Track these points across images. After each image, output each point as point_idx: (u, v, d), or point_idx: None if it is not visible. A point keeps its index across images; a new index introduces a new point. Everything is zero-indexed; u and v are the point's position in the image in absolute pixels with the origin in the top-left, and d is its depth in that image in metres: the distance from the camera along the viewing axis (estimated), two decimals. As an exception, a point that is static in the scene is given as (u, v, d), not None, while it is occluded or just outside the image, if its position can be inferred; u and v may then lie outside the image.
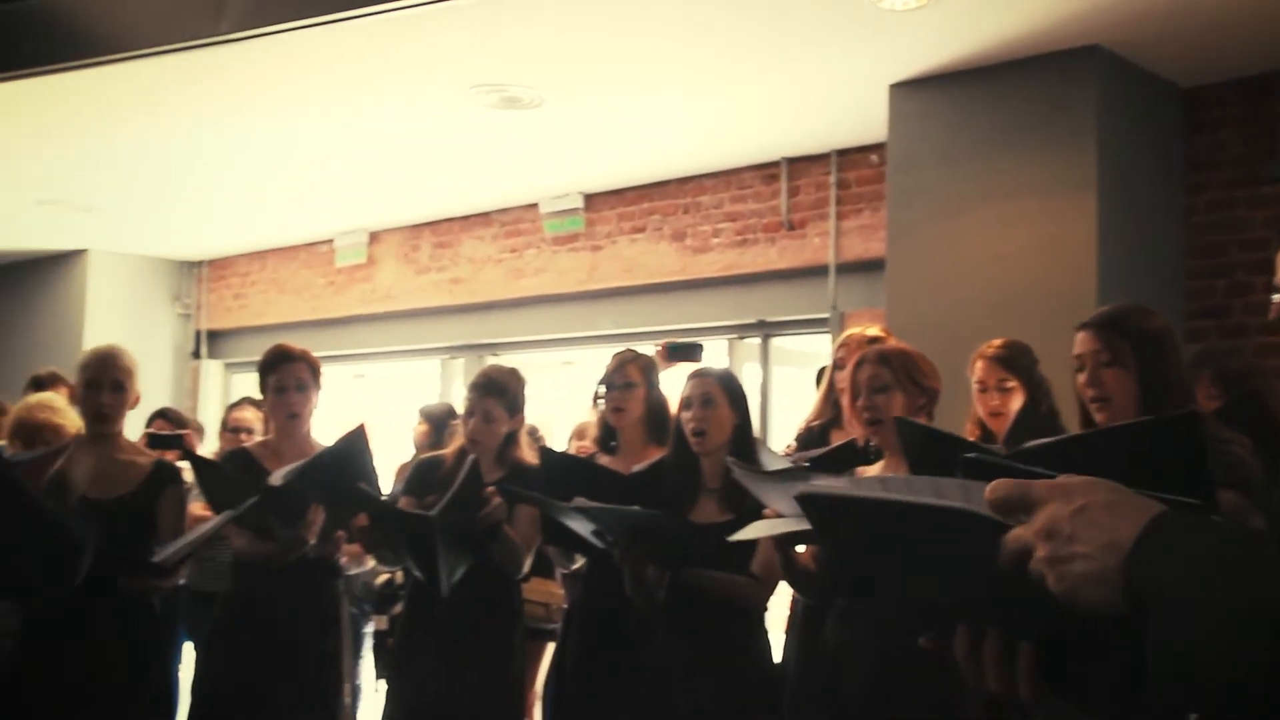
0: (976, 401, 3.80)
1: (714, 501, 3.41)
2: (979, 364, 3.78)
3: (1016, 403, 3.71)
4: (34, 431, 4.48)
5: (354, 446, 3.61)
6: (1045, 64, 5.02)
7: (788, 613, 3.76)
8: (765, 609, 3.44)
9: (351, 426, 3.68)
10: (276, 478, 3.57)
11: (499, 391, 3.88)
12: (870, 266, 6.20)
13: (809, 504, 1.11)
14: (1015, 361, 3.74)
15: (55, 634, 3.52)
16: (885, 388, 3.11)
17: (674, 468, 3.49)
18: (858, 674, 3.00)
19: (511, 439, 3.91)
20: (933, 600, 1.08)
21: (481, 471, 3.67)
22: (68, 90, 5.71)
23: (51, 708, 3.41)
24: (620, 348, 4.14)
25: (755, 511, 3.14)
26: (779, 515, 2.91)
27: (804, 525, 2.82)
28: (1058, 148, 5.00)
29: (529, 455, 3.92)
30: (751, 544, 3.25)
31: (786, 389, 6.97)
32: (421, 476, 3.94)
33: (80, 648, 3.47)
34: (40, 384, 5.70)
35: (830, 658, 3.13)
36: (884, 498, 1.07)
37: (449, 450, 4.02)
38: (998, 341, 3.80)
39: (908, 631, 1.11)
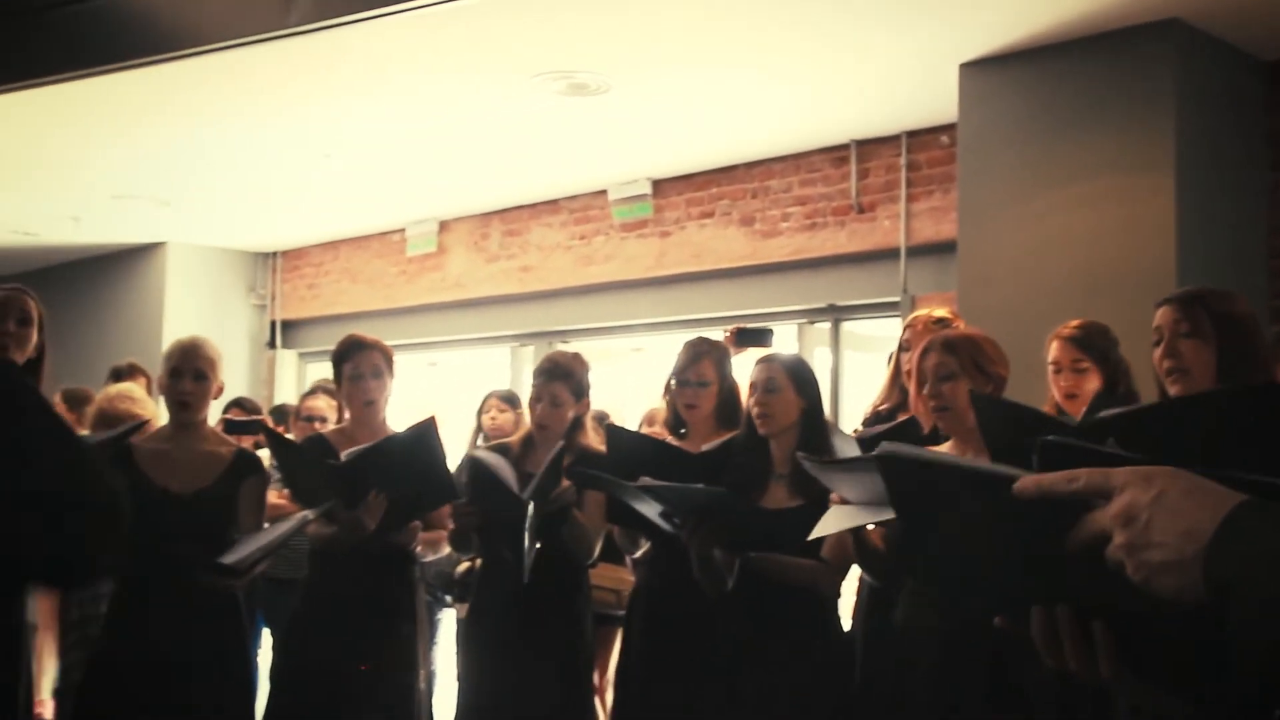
0: (1051, 383, 3.73)
1: (783, 487, 3.39)
2: (1054, 344, 3.71)
3: (1092, 385, 3.63)
4: (115, 421, 4.58)
5: (423, 437, 3.63)
6: (1122, 39, 4.91)
7: (855, 596, 3.73)
8: (836, 594, 3.41)
9: (423, 417, 3.70)
10: (341, 456, 3.63)
11: (564, 375, 3.90)
12: (941, 249, 6.12)
13: (888, 465, 1.10)
14: (1091, 342, 3.66)
15: (138, 621, 3.58)
16: (951, 375, 3.07)
17: (743, 453, 3.48)
18: (928, 658, 2.97)
19: (578, 424, 3.93)
20: (1004, 579, 1.06)
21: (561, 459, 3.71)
22: (143, 86, 5.81)
23: (134, 693, 3.48)
24: (689, 334, 4.13)
25: (824, 498, 3.12)
26: (846, 503, 2.88)
27: (878, 516, 2.79)
28: (1135, 125, 4.89)
29: (595, 441, 3.94)
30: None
31: (858, 373, 6.91)
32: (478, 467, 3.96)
33: (161, 635, 3.53)
34: (120, 375, 5.82)
35: (900, 641, 3.09)
36: (964, 464, 1.05)
37: (515, 438, 4.05)
38: (1074, 322, 3.72)
39: (979, 613, 1.09)
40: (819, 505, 3.24)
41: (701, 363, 3.87)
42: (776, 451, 3.43)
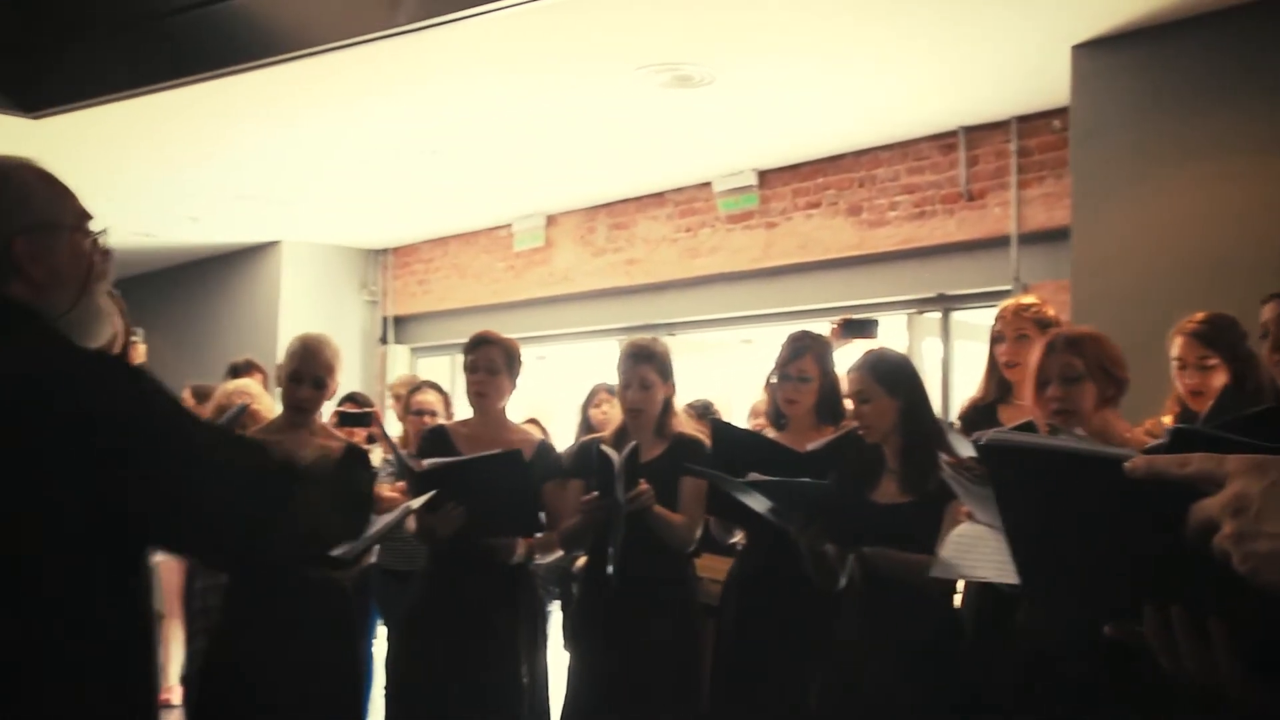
0: (1176, 379, 3.61)
1: (894, 482, 3.35)
2: (1178, 340, 3.58)
3: (1219, 380, 3.50)
4: (232, 417, 4.70)
5: (506, 464, 3.72)
6: (1247, 13, 4.72)
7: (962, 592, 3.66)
8: (952, 590, 3.35)
9: (509, 449, 3.80)
10: (424, 464, 3.74)
11: (649, 357, 3.92)
12: (1054, 236, 6.00)
13: (989, 454, 1.07)
14: (1217, 337, 3.52)
15: (252, 612, 3.67)
16: (1078, 378, 2.92)
17: (855, 448, 3.44)
18: (1057, 668, 2.83)
19: (668, 408, 3.94)
20: (1113, 580, 1.02)
21: (640, 451, 3.74)
22: (256, 89, 5.94)
23: (250, 682, 3.56)
24: (796, 325, 4.11)
25: (937, 494, 3.07)
26: (972, 518, 2.81)
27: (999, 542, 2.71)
28: (1257, 103, 4.71)
29: (686, 426, 3.95)
30: (935, 524, 3.17)
31: (968, 364, 6.79)
32: (584, 458, 3.99)
33: (273, 626, 3.61)
34: (237, 371, 5.97)
35: (1026, 646, 2.98)
36: (1072, 446, 1.02)
37: (607, 432, 4.06)
38: (1199, 315, 3.57)
39: (1088, 622, 1.05)
40: (931, 501, 3.20)
41: (803, 359, 3.85)
42: (886, 449, 3.39)
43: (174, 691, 6.18)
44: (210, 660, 3.80)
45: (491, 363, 3.99)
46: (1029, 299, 3.88)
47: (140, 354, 6.42)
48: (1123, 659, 2.71)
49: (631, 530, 3.66)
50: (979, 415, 3.77)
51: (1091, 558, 1.03)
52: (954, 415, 5.95)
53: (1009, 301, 3.90)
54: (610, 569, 3.68)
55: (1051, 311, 3.84)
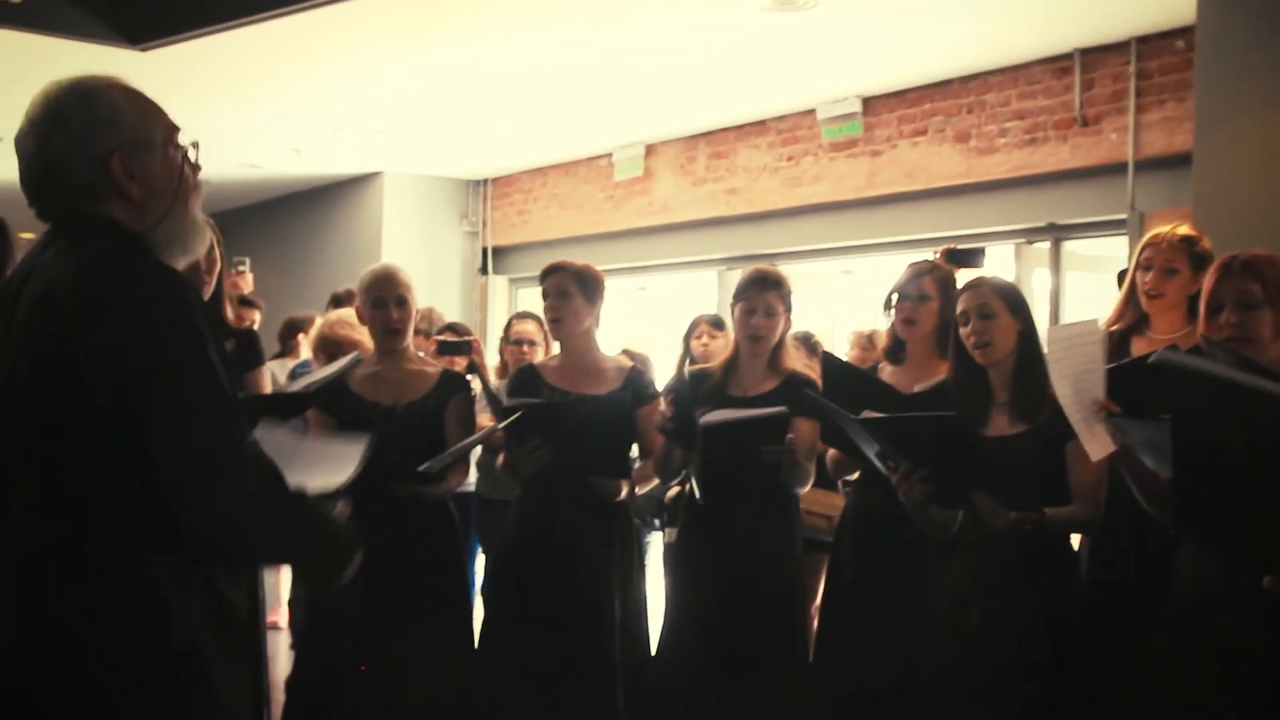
0: None
1: (1004, 414, 3.24)
2: None
3: None
4: (335, 346, 4.75)
5: (596, 408, 3.75)
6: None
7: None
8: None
9: (597, 395, 3.84)
10: (512, 401, 3.76)
11: (776, 284, 3.86)
12: (1173, 162, 5.76)
13: (1165, 373, 0.99)
14: None
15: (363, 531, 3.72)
16: (1255, 304, 2.73)
17: (960, 384, 3.33)
18: (1228, 625, 2.55)
19: (782, 342, 3.87)
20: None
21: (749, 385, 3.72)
22: (357, 18, 5.93)
23: (357, 605, 3.61)
24: (900, 256, 4.02)
25: (1051, 423, 2.96)
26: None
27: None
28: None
29: (798, 363, 3.88)
30: (1049, 456, 3.07)
31: (1079, 295, 6.61)
32: (694, 387, 3.94)
33: (379, 547, 3.65)
34: (339, 301, 6.03)
35: (1189, 600, 2.71)
36: (1249, 379, 0.94)
37: (717, 362, 4.01)
38: None
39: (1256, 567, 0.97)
40: (1044, 431, 3.10)
41: (924, 279, 3.75)
42: (995, 379, 3.28)
43: (281, 614, 6.33)
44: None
45: (563, 289, 3.94)
46: (1186, 229, 3.66)
47: (248, 282, 6.54)
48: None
49: (731, 463, 3.61)
50: (1112, 343, 3.57)
51: (1261, 497, 0.96)
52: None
53: (1164, 228, 3.67)
54: (696, 494, 3.64)
55: (1209, 245, 3.63)
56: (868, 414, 3.15)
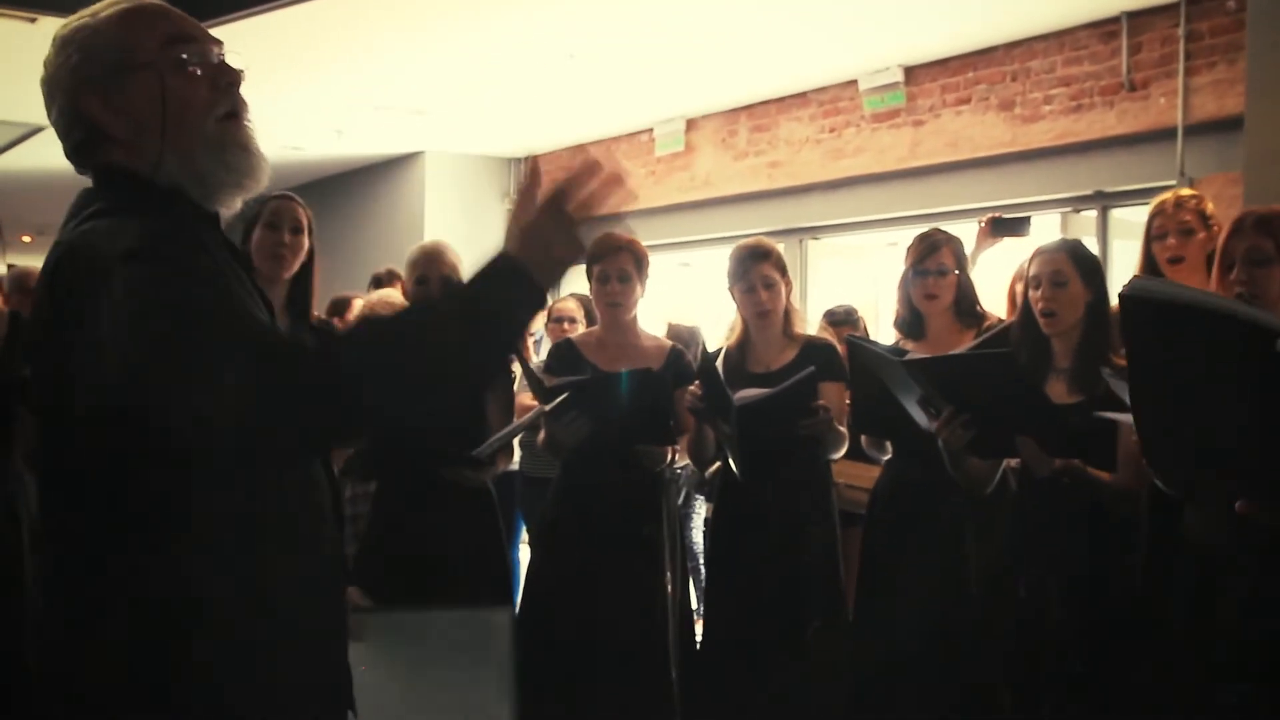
0: None
1: (1063, 382, 3.19)
2: None
3: None
4: (377, 325, 4.74)
5: (637, 381, 3.65)
6: None
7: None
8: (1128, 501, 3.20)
9: (636, 368, 3.76)
10: (554, 381, 3.71)
11: (766, 254, 3.85)
12: (1225, 126, 5.64)
13: (1129, 304, 0.95)
14: None
15: (398, 516, 3.73)
16: (1266, 260, 2.72)
17: (1021, 348, 3.28)
18: (1234, 582, 2.67)
19: (789, 311, 3.85)
20: (1253, 453, 0.91)
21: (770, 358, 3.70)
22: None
23: (397, 588, 3.63)
24: (945, 227, 3.98)
25: (1106, 396, 2.92)
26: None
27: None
28: None
29: (810, 327, 3.90)
30: (1108, 433, 3.03)
31: (1128, 264, 6.51)
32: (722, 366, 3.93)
33: (421, 530, 3.67)
34: (380, 282, 6.04)
35: (1195, 558, 2.83)
36: (1225, 304, 0.90)
37: (732, 340, 3.98)
38: None
39: (1222, 500, 0.94)
40: (1102, 402, 3.05)
41: (940, 251, 3.73)
42: (1058, 345, 3.22)
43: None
44: (358, 566, 3.89)
45: (623, 271, 3.87)
46: (1187, 191, 3.67)
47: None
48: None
49: (783, 420, 3.58)
50: None
51: (1227, 432, 0.92)
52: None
53: (1165, 196, 3.68)
54: (736, 470, 3.63)
55: (1211, 206, 3.63)
56: (914, 355, 3.11)
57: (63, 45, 1.64)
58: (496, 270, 1.53)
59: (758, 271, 3.80)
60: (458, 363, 1.50)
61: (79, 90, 1.60)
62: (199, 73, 1.65)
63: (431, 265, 3.84)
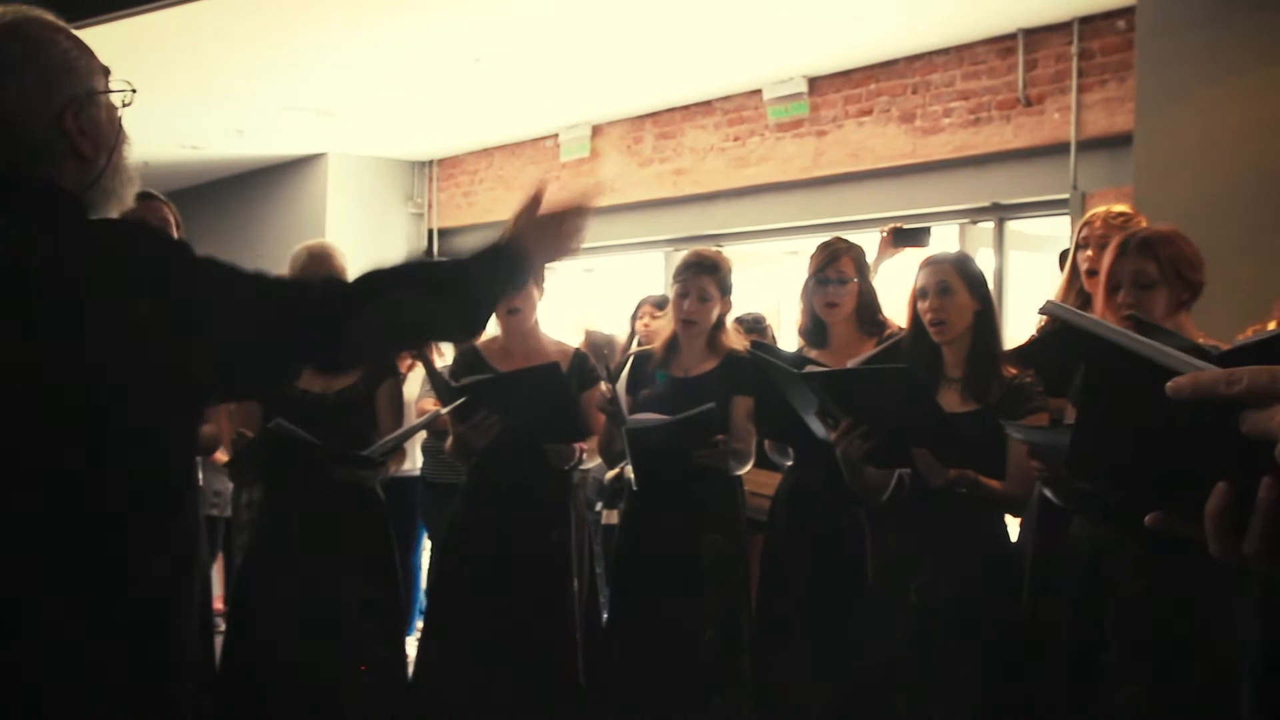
0: None
1: (955, 392, 3.25)
2: None
3: None
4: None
5: (544, 377, 3.65)
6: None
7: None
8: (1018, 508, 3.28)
9: (547, 362, 3.75)
10: (462, 380, 3.70)
11: (711, 269, 3.84)
12: (1115, 142, 5.81)
13: (1056, 322, 1.00)
14: None
15: (286, 522, 3.68)
16: (1150, 285, 2.82)
17: (913, 359, 3.34)
18: (1119, 585, 2.79)
19: (721, 323, 3.86)
20: (1168, 471, 0.96)
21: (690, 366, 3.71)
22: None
23: (283, 596, 3.57)
24: (846, 236, 4.02)
25: (1001, 404, 2.99)
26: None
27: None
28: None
29: (737, 342, 3.87)
30: (996, 435, 3.10)
31: (1023, 275, 6.66)
32: (635, 371, 3.94)
33: (308, 535, 3.63)
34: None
35: (1082, 559, 2.91)
36: (1127, 341, 0.94)
37: (658, 343, 3.99)
38: None
39: (1137, 508, 0.99)
40: (993, 411, 3.12)
41: (840, 260, 3.77)
42: (949, 356, 3.29)
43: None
44: (244, 575, 3.82)
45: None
46: (1121, 207, 3.72)
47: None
48: (1173, 577, 2.65)
49: (678, 446, 3.61)
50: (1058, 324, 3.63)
51: (1144, 450, 0.96)
52: (1009, 327, 5.84)
53: (1100, 208, 3.74)
54: (632, 480, 3.66)
55: (1144, 221, 3.69)
56: (812, 367, 3.15)
57: (35, 49, 1.69)
58: (500, 250, 2.03)
59: (696, 282, 3.81)
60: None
61: (64, 104, 1.69)
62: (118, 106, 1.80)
63: (319, 267, 3.78)
